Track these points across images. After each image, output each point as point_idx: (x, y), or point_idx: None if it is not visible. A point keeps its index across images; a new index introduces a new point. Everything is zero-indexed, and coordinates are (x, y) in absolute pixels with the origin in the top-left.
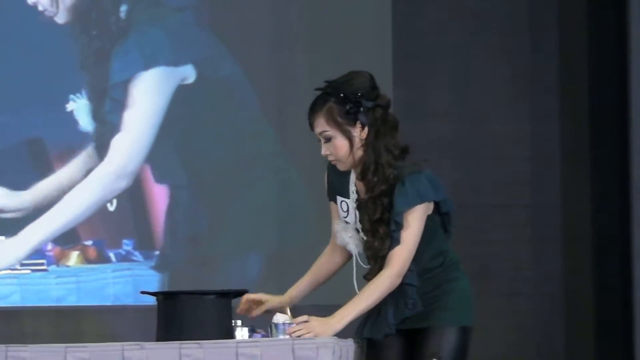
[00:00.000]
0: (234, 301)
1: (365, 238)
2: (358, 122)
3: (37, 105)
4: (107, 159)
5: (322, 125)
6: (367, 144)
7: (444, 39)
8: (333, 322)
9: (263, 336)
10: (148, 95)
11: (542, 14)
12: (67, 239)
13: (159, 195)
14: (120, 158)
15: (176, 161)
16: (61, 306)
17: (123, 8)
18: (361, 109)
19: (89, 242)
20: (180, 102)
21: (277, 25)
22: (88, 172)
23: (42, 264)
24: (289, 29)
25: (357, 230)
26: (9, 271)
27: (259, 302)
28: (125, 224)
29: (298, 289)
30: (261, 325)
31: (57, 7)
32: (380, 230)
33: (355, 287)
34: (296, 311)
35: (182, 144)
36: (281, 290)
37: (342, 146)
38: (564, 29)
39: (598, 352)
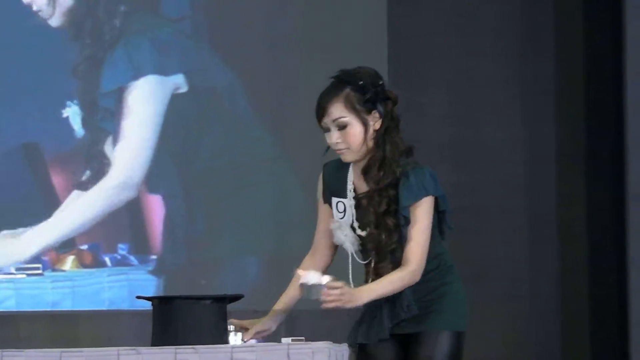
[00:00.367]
0: (229, 306)
1: (362, 235)
2: (375, 111)
3: (33, 109)
4: (111, 172)
5: (339, 111)
6: (377, 137)
7: (439, 41)
8: (363, 296)
9: (258, 341)
10: (144, 104)
11: (537, 17)
12: (62, 243)
13: (155, 199)
14: (125, 169)
15: (172, 166)
16: (57, 311)
17: (118, 17)
18: (380, 97)
19: (84, 247)
20: (177, 109)
21: (272, 29)
22: (85, 179)
23: (37, 269)
24: (284, 33)
25: (353, 229)
26: (4, 276)
27: (246, 328)
28: (121, 228)
29: (284, 302)
30: None
31: (54, 8)
32: (388, 222)
33: (352, 286)
34: (290, 319)
35: (178, 149)
36: (279, 294)
37: (357, 134)
38: (560, 31)
39: (594, 354)
